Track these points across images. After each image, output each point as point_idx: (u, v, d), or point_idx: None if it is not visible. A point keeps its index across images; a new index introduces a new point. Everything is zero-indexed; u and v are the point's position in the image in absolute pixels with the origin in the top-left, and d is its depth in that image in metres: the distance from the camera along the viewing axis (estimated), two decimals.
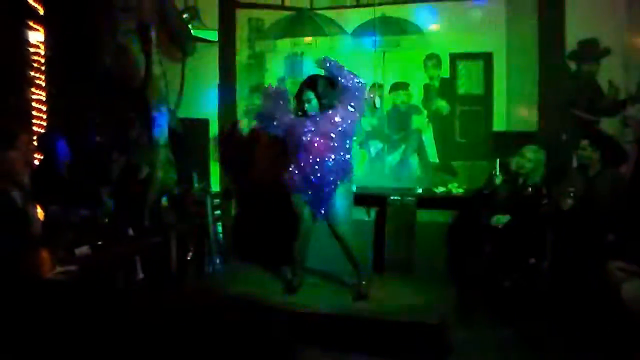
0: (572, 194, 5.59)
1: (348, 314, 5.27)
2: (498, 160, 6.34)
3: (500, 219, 5.96)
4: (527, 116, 7.27)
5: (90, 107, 7.01)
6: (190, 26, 7.83)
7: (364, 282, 5.76)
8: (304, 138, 5.51)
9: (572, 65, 7.17)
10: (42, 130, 6.88)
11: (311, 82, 5.64)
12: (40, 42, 7.09)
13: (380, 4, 7.72)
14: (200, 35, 7.97)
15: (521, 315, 5.44)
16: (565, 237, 5.52)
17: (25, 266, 4.22)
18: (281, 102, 5.82)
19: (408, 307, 5.45)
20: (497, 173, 6.22)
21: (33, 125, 6.88)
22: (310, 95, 5.57)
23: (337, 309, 5.35)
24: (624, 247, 4.85)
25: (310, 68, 7.07)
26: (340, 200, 5.61)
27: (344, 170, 5.56)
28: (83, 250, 4.41)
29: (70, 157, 6.13)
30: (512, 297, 5.64)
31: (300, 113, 5.67)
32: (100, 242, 4.71)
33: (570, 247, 5.43)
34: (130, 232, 5.92)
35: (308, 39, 8.15)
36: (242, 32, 8.36)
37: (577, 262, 5.30)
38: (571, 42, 7.13)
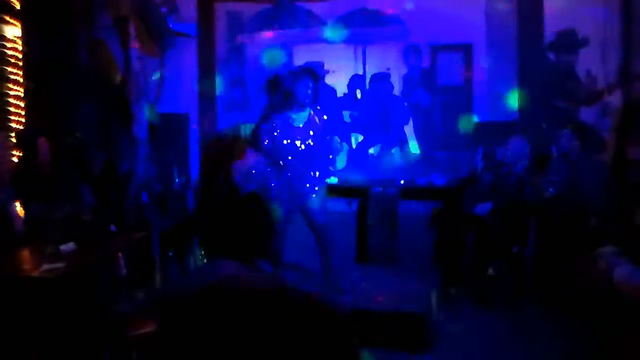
0: (553, 182, 5.64)
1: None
2: (481, 148, 6.36)
3: (484, 208, 6.00)
4: (507, 106, 7.32)
5: (69, 103, 6.94)
6: (168, 20, 7.77)
7: (334, 276, 5.64)
8: (297, 136, 5.39)
9: (551, 56, 7.22)
10: (21, 127, 6.79)
11: (310, 72, 5.47)
12: (17, 38, 6.99)
13: None
14: (179, 29, 7.92)
15: (505, 303, 5.48)
16: (548, 224, 5.57)
17: (10, 264, 4.18)
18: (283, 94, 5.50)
19: (392, 297, 5.47)
20: (481, 162, 6.24)
21: (11, 122, 6.80)
22: (310, 84, 5.40)
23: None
24: (607, 233, 4.90)
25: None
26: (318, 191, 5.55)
27: (327, 163, 5.53)
28: (68, 247, 4.37)
29: (50, 154, 6.06)
30: (496, 285, 5.68)
31: (290, 103, 5.43)
32: (84, 239, 4.67)
33: (553, 235, 5.48)
34: (113, 228, 5.87)
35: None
36: (221, 26, 8.33)
37: (560, 249, 5.36)
38: (550, 32, 7.18)
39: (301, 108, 5.39)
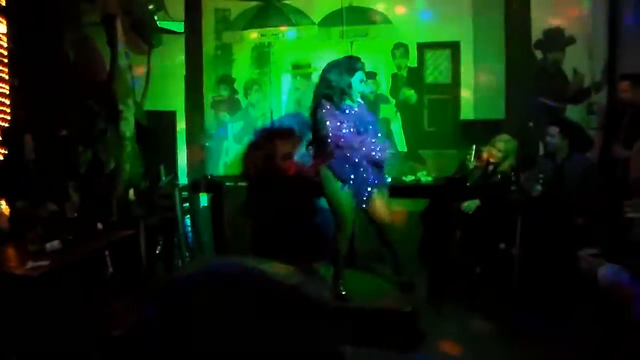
0: (540, 180, 5.65)
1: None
2: (474, 146, 6.34)
3: (471, 206, 6.01)
4: (494, 104, 7.33)
5: (55, 101, 6.89)
6: (156, 17, 7.74)
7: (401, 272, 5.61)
8: (355, 129, 5.16)
9: (538, 54, 7.25)
10: (6, 125, 6.75)
11: (363, 64, 5.26)
12: (3, 34, 6.95)
13: None
14: (166, 27, 7.88)
15: (492, 301, 5.49)
16: (535, 222, 5.59)
17: None
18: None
19: (380, 295, 5.46)
20: (472, 159, 6.23)
21: None
22: (363, 76, 5.24)
23: None
24: (592, 231, 4.92)
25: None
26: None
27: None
28: (54, 244, 4.34)
29: (35, 151, 6.03)
30: (483, 282, 5.69)
31: (342, 96, 5.19)
32: (70, 237, 4.65)
33: (540, 233, 5.50)
34: (99, 226, 5.84)
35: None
36: (208, 23, 8.29)
37: (546, 247, 5.37)
38: (537, 31, 7.21)
39: (355, 100, 5.25)
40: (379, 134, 5.34)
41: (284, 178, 4.93)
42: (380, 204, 5.34)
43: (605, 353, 3.96)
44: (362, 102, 5.34)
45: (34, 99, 6.89)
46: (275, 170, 4.82)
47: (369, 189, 5.22)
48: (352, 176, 5.13)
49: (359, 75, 5.16)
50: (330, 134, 5.07)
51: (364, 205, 5.27)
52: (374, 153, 5.15)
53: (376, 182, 5.26)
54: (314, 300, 0.94)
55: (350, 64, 5.21)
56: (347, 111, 5.17)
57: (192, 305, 0.88)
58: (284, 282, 0.94)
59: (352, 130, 5.13)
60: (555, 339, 4.72)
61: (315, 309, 0.94)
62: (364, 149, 5.12)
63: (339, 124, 5.09)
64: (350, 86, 5.13)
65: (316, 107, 5.20)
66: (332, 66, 5.26)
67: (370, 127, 5.24)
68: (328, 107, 5.11)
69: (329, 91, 5.13)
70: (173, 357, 0.84)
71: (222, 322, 0.84)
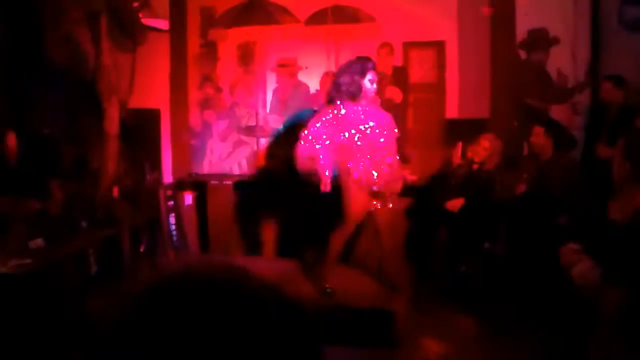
0: (524, 180, 5.70)
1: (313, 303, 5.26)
2: (461, 143, 6.36)
3: (455, 205, 6.04)
4: (479, 104, 7.36)
5: (39, 98, 6.84)
6: (140, 15, 7.70)
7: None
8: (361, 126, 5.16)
9: (522, 54, 7.28)
10: None
11: (373, 64, 5.25)
12: None
13: None
14: (151, 25, 7.84)
15: (477, 299, 5.51)
16: (519, 221, 5.62)
17: None
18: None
19: (364, 294, 5.46)
20: (460, 157, 6.25)
21: None
22: (373, 77, 5.21)
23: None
24: (575, 230, 4.95)
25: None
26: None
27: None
28: (37, 243, 4.32)
29: (18, 149, 5.98)
30: (467, 281, 5.72)
31: (357, 93, 5.17)
32: (53, 235, 4.62)
33: (524, 231, 5.53)
34: (84, 224, 5.82)
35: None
36: (193, 21, 8.26)
37: (530, 245, 5.40)
38: (521, 31, 7.24)
39: (364, 99, 5.22)
40: (392, 137, 5.33)
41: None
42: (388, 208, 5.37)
43: (579, 347, 3.99)
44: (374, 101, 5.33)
45: (17, 96, 6.84)
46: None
47: (380, 190, 5.25)
48: (364, 178, 5.17)
49: (369, 76, 5.17)
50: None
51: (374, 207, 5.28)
52: (385, 154, 5.18)
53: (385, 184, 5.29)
54: (290, 300, 0.94)
55: (361, 66, 5.20)
56: (359, 110, 5.19)
57: (168, 304, 0.88)
58: (263, 281, 0.94)
59: (362, 132, 5.15)
60: (539, 337, 4.75)
61: (291, 308, 0.93)
62: (374, 150, 5.16)
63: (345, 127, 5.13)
64: (360, 88, 5.15)
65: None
66: (344, 68, 5.30)
67: (380, 130, 5.24)
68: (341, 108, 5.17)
69: (340, 94, 5.16)
70: (150, 355, 0.84)
71: (197, 320, 0.85)
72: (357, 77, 5.14)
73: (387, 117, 5.37)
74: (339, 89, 5.18)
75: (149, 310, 0.87)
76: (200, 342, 0.82)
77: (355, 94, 5.15)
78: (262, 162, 7.00)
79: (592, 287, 3.95)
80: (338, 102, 5.18)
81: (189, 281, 0.90)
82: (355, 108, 5.18)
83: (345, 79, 5.16)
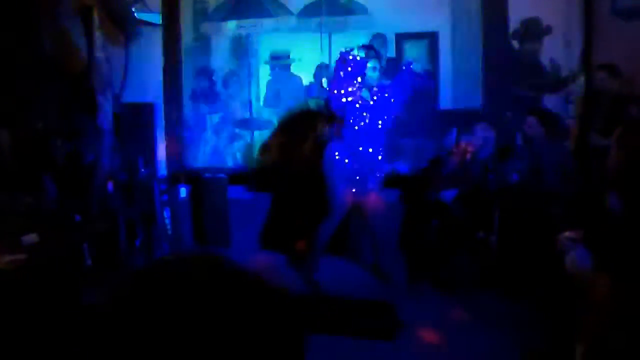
0: (517, 169, 5.70)
1: (299, 293, 5.27)
2: (456, 129, 6.36)
3: (449, 195, 6.04)
4: (472, 94, 7.36)
5: (31, 93, 6.83)
6: (133, 9, 7.68)
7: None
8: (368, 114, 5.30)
9: (515, 44, 7.28)
10: None
11: (375, 52, 5.34)
12: None
13: None
14: (144, 18, 7.82)
15: (470, 289, 5.53)
16: (512, 210, 5.63)
17: None
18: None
19: (357, 285, 5.48)
20: (454, 145, 6.24)
21: None
22: (376, 64, 5.31)
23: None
24: (569, 219, 4.96)
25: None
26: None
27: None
28: (31, 238, 4.31)
29: (11, 144, 5.97)
30: (460, 271, 5.72)
31: (363, 81, 5.27)
32: (47, 230, 4.62)
33: (517, 221, 5.54)
34: (78, 219, 5.81)
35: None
36: (186, 15, 8.24)
37: (523, 234, 5.41)
38: (514, 21, 7.24)
39: (368, 86, 5.30)
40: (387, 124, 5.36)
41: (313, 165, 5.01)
42: (375, 196, 5.40)
43: (566, 335, 4.00)
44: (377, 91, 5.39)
45: (9, 90, 6.82)
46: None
47: (367, 181, 5.28)
48: (354, 167, 5.20)
49: (370, 64, 5.17)
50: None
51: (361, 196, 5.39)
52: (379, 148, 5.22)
53: (376, 174, 5.33)
54: (272, 290, 0.95)
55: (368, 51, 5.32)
56: (360, 103, 5.20)
57: (157, 295, 0.89)
58: (244, 271, 0.95)
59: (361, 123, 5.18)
60: (532, 327, 4.76)
61: (272, 298, 0.94)
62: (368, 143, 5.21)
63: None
64: (363, 77, 5.15)
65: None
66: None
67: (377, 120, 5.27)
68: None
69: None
70: (137, 346, 0.85)
71: (185, 312, 0.85)
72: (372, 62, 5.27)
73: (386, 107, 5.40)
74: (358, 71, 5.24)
75: (128, 302, 0.88)
76: (179, 332, 0.83)
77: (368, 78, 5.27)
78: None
79: (583, 274, 3.96)
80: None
81: (166, 273, 0.91)
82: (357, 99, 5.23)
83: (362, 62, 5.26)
